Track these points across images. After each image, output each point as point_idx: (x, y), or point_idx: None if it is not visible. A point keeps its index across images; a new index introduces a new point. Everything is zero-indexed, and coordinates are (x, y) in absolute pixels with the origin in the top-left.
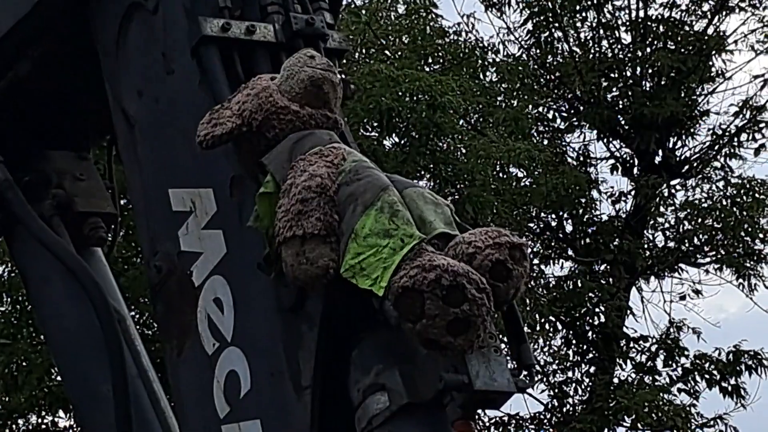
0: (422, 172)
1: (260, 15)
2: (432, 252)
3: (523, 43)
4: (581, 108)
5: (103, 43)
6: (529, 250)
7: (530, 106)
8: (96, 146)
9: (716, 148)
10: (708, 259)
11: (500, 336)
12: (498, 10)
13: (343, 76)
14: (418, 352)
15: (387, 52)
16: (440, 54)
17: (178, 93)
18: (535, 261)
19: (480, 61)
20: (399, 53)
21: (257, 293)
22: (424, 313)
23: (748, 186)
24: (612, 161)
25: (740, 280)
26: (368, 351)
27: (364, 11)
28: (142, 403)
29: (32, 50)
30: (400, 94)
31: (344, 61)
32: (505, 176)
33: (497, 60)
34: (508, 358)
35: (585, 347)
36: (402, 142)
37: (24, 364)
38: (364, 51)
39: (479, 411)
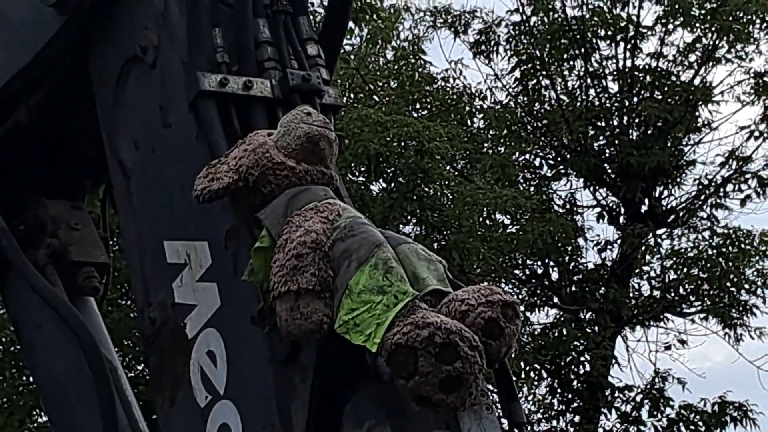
0: (409, 218)
1: (257, 70)
2: (425, 309)
3: (510, 90)
4: (568, 156)
5: (101, 95)
6: (521, 307)
7: (517, 153)
8: (91, 195)
9: (702, 198)
10: (693, 309)
11: (492, 393)
12: (486, 57)
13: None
14: (410, 408)
15: (375, 97)
16: (428, 100)
17: (175, 146)
18: (521, 308)
19: (467, 108)
20: (387, 98)
21: (250, 346)
22: (417, 370)
23: (733, 236)
24: (598, 209)
25: (726, 330)
26: (361, 405)
27: (353, 56)
28: None
29: (31, 99)
30: (388, 139)
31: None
32: (491, 223)
33: (485, 107)
34: (500, 415)
35: (570, 396)
36: (389, 187)
37: (6, 405)
38: (352, 96)
39: None
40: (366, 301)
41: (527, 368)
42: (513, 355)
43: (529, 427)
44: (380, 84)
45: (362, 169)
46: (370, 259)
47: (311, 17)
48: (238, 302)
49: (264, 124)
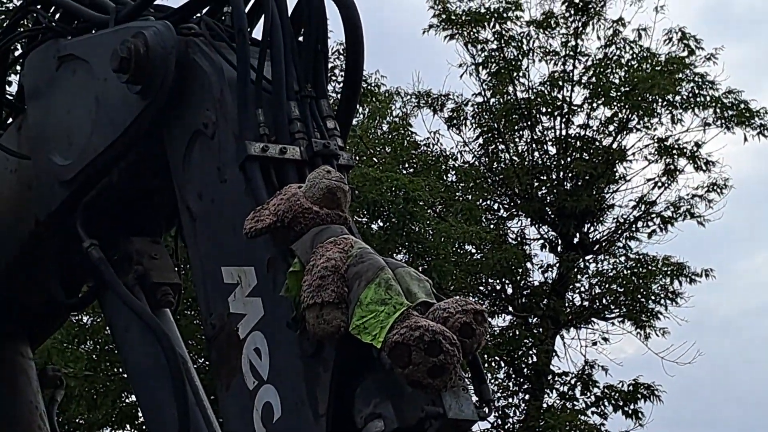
0: (400, 249)
1: (290, 139)
2: (417, 316)
3: (475, 153)
4: (519, 201)
5: (173, 159)
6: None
7: (480, 200)
8: (166, 233)
9: (619, 232)
10: (613, 315)
11: (467, 378)
12: (457, 129)
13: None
14: (406, 390)
15: (374, 158)
16: (413, 161)
17: (229, 196)
18: (487, 315)
19: (443, 166)
20: (383, 160)
21: (286, 345)
22: (411, 361)
23: (642, 261)
24: (541, 241)
25: (638, 330)
26: (369, 388)
27: (357, 128)
28: (199, 425)
29: (121, 164)
30: (383, 190)
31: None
32: (461, 252)
33: (456, 165)
34: (473, 394)
35: (521, 380)
36: (384, 226)
37: (102, 389)
38: (356, 158)
39: None
40: (372, 310)
41: (490, 360)
42: (480, 350)
43: (492, 404)
44: (377, 149)
45: (364, 212)
46: (375, 279)
47: (329, 100)
48: (277, 312)
49: (295, 180)
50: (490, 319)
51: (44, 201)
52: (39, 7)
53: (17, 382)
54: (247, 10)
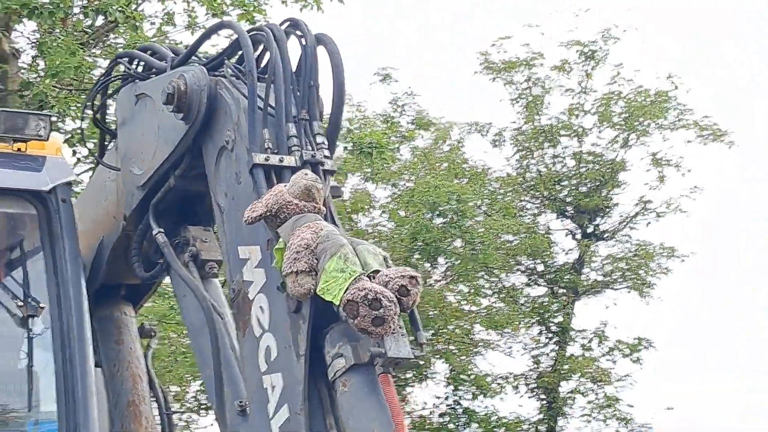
0: (455, 237)
1: (287, 151)
2: (365, 280)
3: (512, 167)
4: (546, 202)
5: (208, 168)
6: (423, 279)
7: (516, 201)
8: (214, 223)
9: (623, 224)
10: (621, 287)
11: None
12: (499, 148)
13: (336, 183)
14: (359, 336)
15: (435, 171)
16: (466, 173)
17: (244, 194)
18: (524, 287)
19: (486, 176)
20: (442, 172)
21: (279, 303)
22: (359, 314)
23: (642, 245)
24: (564, 231)
25: (640, 297)
26: (334, 335)
27: (425, 149)
28: (232, 367)
29: (176, 172)
30: (441, 194)
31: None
32: (501, 240)
33: (498, 176)
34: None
35: (551, 336)
36: (443, 221)
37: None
38: (423, 171)
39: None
40: (333, 276)
41: (527, 320)
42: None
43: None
44: (438, 164)
45: (427, 211)
46: (337, 253)
47: (320, 121)
48: (273, 279)
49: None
50: (528, 290)
51: (128, 201)
52: (126, 59)
53: (121, 333)
54: (257, 54)
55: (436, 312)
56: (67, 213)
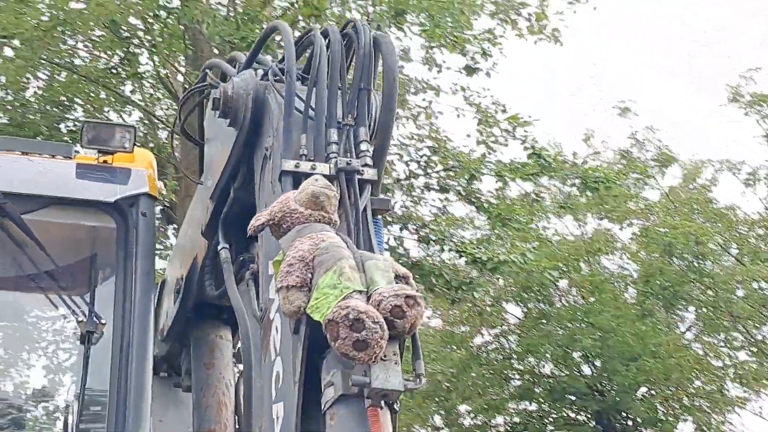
0: (694, 281)
1: (325, 159)
2: (355, 299)
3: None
4: None
5: (256, 176)
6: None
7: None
8: None
9: None
10: None
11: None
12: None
13: (383, 196)
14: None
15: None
16: (709, 213)
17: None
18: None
19: (734, 218)
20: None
21: (286, 324)
22: (339, 336)
23: None
24: None
25: None
26: (330, 360)
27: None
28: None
29: (235, 184)
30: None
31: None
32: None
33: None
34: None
35: None
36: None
37: None
38: (669, 211)
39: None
40: (325, 293)
41: None
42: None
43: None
44: (679, 204)
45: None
46: (332, 267)
47: (367, 128)
48: None
49: None
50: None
51: (205, 214)
52: (210, 70)
53: (213, 356)
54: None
55: (674, 361)
56: (146, 227)
